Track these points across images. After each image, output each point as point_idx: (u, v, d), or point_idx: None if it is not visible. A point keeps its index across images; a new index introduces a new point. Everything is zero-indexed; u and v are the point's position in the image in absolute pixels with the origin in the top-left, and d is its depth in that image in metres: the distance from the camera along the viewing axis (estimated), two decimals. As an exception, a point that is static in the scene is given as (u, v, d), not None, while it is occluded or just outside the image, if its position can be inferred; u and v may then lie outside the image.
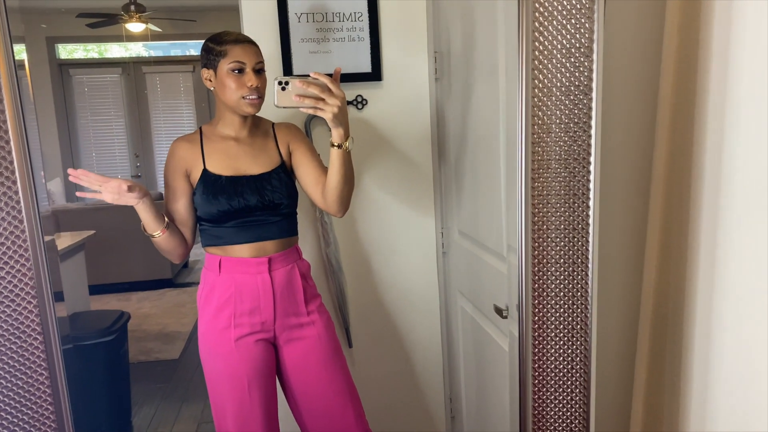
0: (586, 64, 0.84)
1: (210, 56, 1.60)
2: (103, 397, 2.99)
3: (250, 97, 1.59)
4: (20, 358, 0.80)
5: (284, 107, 1.49)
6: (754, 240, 1.12)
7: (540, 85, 0.84)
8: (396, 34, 2.21)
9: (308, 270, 1.80)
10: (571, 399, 0.91)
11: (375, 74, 2.20)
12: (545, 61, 0.83)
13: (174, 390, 3.65)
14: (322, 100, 1.43)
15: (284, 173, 1.71)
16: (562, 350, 0.91)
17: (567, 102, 0.85)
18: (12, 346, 0.79)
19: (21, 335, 0.79)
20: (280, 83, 1.44)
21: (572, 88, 0.84)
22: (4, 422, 0.82)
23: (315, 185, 1.70)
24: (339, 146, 1.53)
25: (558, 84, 0.85)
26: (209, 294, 1.68)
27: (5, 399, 0.81)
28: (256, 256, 1.66)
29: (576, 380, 0.91)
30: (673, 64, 1.35)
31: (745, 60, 1.11)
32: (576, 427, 0.91)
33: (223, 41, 1.59)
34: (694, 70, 1.29)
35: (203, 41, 1.65)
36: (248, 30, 2.11)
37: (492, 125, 1.61)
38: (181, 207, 1.68)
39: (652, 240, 1.49)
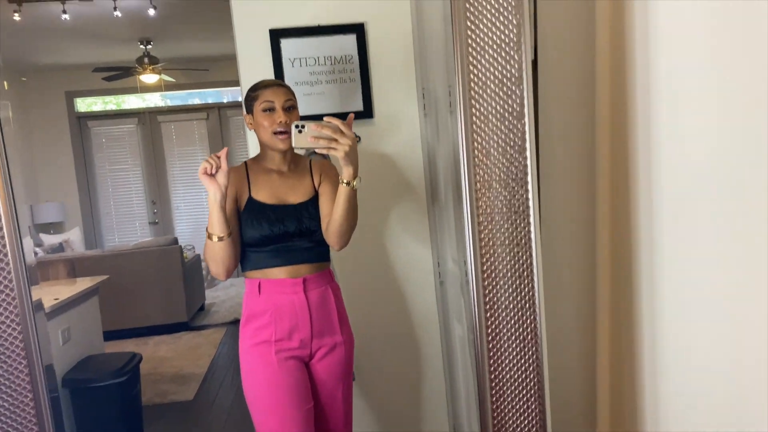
0: (517, 92, 0.92)
1: (248, 102, 1.79)
2: (117, 437, 3.05)
3: (281, 133, 1.72)
4: (12, 414, 0.86)
5: (301, 147, 1.62)
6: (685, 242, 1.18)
7: (477, 112, 0.92)
8: (385, 72, 2.31)
9: (339, 292, 1.91)
10: (528, 400, 0.96)
11: (366, 112, 2.31)
12: (480, 91, 0.91)
13: (189, 430, 3.68)
14: (335, 140, 1.55)
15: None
16: (516, 355, 0.97)
17: (503, 128, 0.92)
18: (4, 404, 0.85)
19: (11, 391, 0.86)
20: (297, 126, 1.57)
21: (506, 115, 0.91)
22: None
23: (324, 217, 1.82)
24: (347, 183, 1.66)
25: (494, 111, 0.93)
26: (250, 315, 1.79)
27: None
28: (292, 277, 1.77)
29: (531, 381, 0.96)
30: (607, 69, 1.42)
31: (661, 60, 1.18)
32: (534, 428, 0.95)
33: (256, 87, 1.77)
34: (623, 72, 1.35)
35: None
36: (245, 76, 2.24)
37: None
38: (232, 225, 1.78)
39: (602, 248, 1.54)
